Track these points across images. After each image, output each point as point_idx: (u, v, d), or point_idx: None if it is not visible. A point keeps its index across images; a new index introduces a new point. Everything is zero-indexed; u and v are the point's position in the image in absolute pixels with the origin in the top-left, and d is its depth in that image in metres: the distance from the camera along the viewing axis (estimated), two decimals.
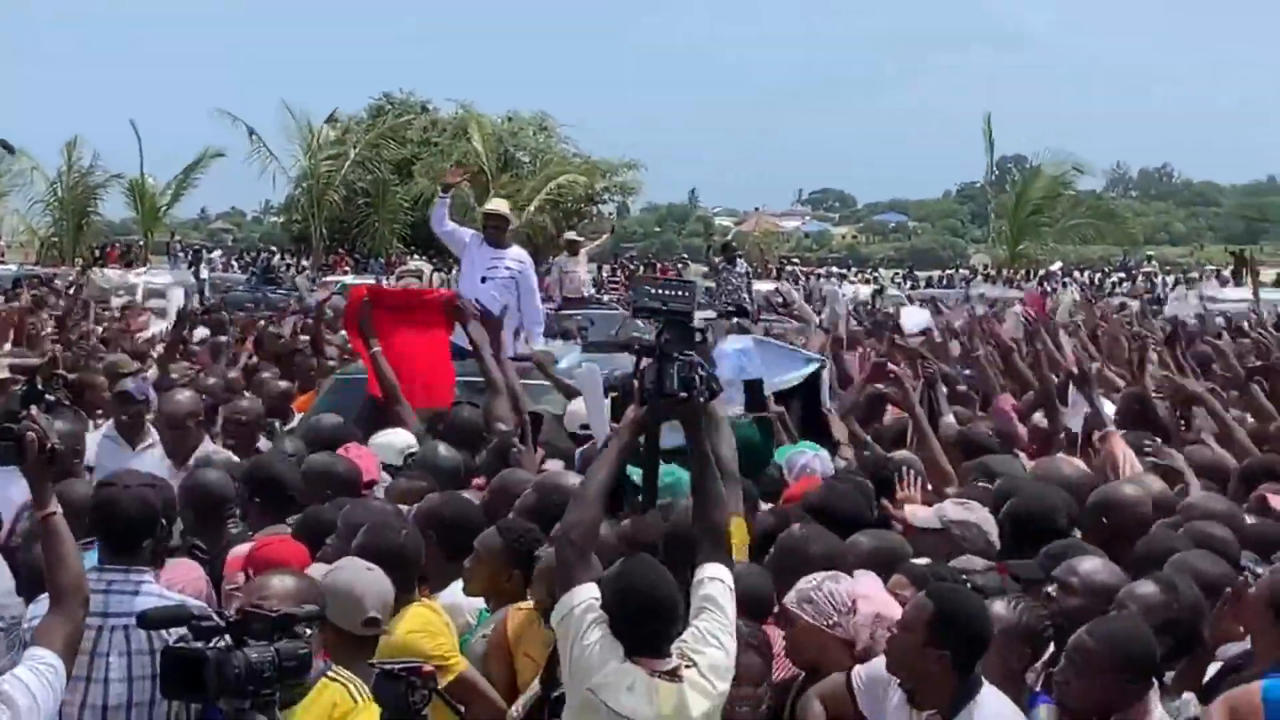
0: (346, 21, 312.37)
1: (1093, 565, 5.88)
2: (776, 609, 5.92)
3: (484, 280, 12.89)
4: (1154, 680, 5.15)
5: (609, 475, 5.32)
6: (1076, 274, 57.11)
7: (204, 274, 43.83)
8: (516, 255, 13.61)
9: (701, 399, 5.44)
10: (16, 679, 4.58)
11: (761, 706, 5.43)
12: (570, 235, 29.55)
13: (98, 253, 51.69)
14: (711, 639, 5.04)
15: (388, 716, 4.33)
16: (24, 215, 54.16)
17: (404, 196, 56.77)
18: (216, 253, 63.29)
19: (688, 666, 4.95)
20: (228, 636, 4.29)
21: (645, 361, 5.53)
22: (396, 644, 5.66)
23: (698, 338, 5.72)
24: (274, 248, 65.03)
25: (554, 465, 8.26)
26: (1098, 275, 59.28)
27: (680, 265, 55.91)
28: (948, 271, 66.82)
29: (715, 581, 5.16)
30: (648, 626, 4.96)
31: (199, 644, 4.26)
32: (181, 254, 55.45)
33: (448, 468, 8.24)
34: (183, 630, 4.44)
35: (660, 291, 5.72)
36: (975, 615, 5.15)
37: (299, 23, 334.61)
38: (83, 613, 4.84)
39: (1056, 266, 58.46)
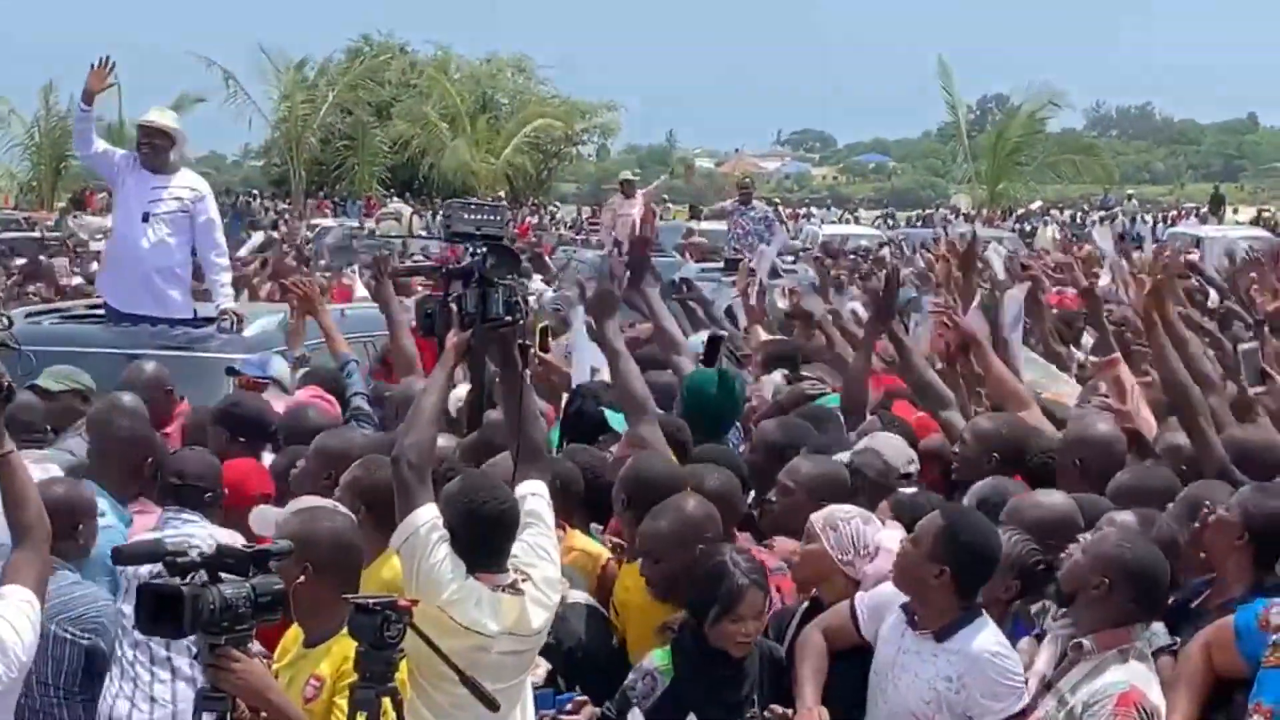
0: None
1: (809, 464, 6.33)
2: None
3: (146, 218, 10.10)
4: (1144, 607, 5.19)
5: (440, 398, 5.41)
6: (1055, 212, 56.94)
7: None
8: (187, 181, 10.39)
9: (521, 322, 5.61)
10: None
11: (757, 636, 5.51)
12: (625, 175, 27.40)
13: (77, 197, 51.25)
14: (541, 552, 5.22)
15: (362, 649, 4.36)
16: (1, 160, 53.95)
17: (383, 139, 56.60)
18: None
19: (524, 580, 5.11)
20: (203, 572, 4.31)
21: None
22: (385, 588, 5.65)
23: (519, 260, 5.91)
24: (254, 191, 64.74)
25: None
26: (1078, 214, 59.12)
27: (661, 205, 55.73)
28: (926, 211, 66.53)
29: (536, 497, 5.32)
30: (491, 543, 5.10)
31: (174, 579, 4.27)
32: None
33: None
34: (159, 565, 4.46)
35: (473, 216, 5.78)
36: (982, 536, 5.25)
37: None
38: (47, 547, 4.85)
39: (1036, 205, 58.36)
